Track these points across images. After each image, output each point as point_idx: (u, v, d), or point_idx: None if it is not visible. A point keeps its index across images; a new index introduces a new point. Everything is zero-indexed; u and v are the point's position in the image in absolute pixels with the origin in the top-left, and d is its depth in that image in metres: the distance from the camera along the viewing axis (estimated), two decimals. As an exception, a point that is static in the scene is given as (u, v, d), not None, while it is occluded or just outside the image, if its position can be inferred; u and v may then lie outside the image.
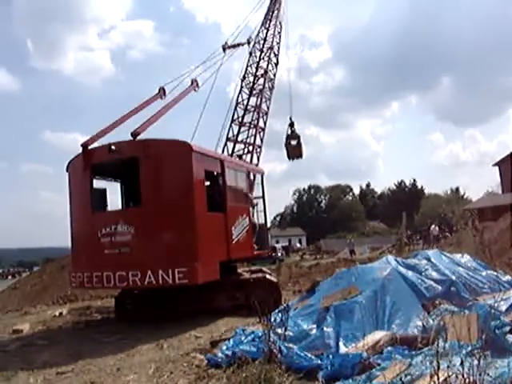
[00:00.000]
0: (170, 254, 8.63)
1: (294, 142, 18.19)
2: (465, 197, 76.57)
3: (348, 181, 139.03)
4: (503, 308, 6.08)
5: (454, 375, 3.60)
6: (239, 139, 15.59)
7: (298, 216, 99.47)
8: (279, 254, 36.23)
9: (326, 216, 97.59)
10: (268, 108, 16.25)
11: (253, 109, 15.91)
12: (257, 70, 16.39)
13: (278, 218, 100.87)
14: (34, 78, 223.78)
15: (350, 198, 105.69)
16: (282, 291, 11.05)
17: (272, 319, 5.67)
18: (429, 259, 7.79)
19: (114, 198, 11.16)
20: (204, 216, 9.20)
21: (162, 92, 12.61)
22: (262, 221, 12.31)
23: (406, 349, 5.09)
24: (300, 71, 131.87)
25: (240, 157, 14.59)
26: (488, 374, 3.68)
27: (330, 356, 4.99)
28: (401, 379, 3.99)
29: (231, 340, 6.02)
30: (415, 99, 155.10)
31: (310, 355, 5.11)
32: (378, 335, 5.53)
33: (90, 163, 9.53)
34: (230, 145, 15.47)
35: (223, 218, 9.92)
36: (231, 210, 10.21)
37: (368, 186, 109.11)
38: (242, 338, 5.96)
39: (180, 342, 7.40)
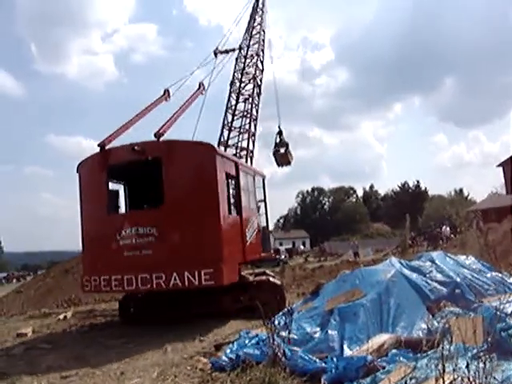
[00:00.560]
0: (195, 255, 8.46)
1: (282, 150, 18.32)
2: (469, 198, 76.42)
3: (351, 183, 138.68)
4: (509, 310, 6.00)
5: (459, 378, 3.57)
6: (230, 143, 15.65)
7: (301, 218, 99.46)
8: (283, 257, 36.16)
9: (329, 218, 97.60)
10: (257, 113, 16.23)
11: (241, 114, 16.00)
12: (242, 76, 16.45)
13: (281, 221, 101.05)
14: (37, 81, 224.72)
15: (354, 199, 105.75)
16: (286, 294, 11.03)
17: (276, 322, 5.65)
18: (433, 261, 7.76)
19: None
20: (226, 218, 9.25)
21: (166, 94, 12.81)
22: (263, 224, 12.33)
23: (410, 352, 5.05)
24: (303, 73, 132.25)
25: None
26: (494, 377, 3.64)
27: (335, 359, 4.95)
28: (406, 382, 3.96)
29: (235, 343, 5.98)
30: (418, 100, 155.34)
31: (314, 358, 5.08)
32: (383, 338, 5.50)
33: (108, 164, 9.43)
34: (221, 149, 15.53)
35: (239, 221, 9.95)
36: (245, 213, 10.24)
37: (371, 187, 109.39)
38: (246, 341, 5.92)
39: (184, 345, 7.37)
